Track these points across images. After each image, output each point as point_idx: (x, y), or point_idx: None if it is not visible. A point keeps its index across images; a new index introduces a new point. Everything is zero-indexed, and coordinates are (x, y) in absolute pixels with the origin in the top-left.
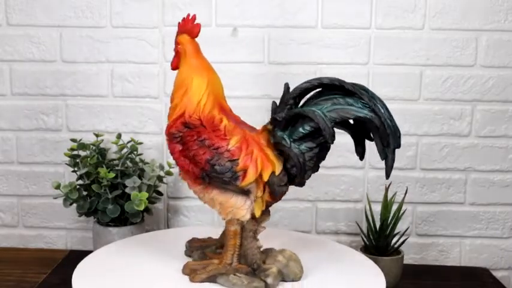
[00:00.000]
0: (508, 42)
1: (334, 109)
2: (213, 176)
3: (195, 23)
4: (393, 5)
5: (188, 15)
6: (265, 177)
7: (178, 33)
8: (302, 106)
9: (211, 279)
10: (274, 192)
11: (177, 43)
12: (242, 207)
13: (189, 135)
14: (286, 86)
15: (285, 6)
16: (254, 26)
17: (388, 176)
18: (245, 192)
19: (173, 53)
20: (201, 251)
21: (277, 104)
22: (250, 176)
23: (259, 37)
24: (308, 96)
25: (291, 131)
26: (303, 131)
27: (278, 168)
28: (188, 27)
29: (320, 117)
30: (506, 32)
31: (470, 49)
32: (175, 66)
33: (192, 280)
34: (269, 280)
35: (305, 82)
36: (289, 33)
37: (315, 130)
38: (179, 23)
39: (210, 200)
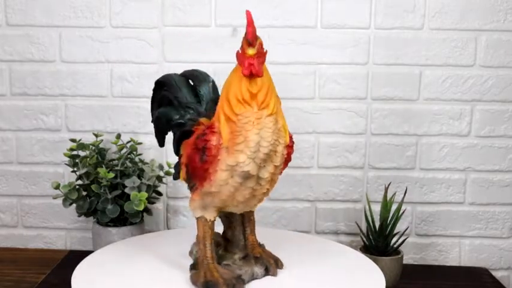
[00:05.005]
0: (507, 42)
1: None
2: None
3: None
4: (392, 5)
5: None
6: None
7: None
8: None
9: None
10: None
11: (262, 45)
12: None
13: None
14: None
15: (285, 6)
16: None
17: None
18: None
19: (243, 57)
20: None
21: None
22: None
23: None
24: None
25: None
26: None
27: None
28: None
29: None
30: (506, 32)
31: (470, 49)
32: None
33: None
34: None
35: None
36: (289, 33)
37: None
38: (254, 24)
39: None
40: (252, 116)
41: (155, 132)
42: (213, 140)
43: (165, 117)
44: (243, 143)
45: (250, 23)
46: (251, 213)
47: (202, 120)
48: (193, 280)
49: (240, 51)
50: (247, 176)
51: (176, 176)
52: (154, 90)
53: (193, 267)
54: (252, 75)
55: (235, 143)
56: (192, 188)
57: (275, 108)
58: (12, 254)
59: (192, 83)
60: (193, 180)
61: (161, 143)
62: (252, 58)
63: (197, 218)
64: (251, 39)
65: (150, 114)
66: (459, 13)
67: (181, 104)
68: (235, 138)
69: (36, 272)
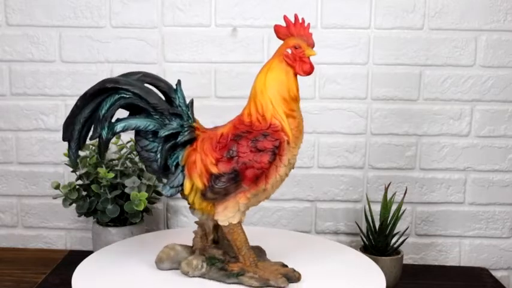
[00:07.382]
0: (507, 42)
1: None
2: None
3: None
4: (392, 5)
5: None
6: None
7: None
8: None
9: None
10: None
11: None
12: None
13: None
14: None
15: (285, 6)
16: (253, 26)
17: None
18: None
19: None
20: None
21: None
22: None
23: (259, 37)
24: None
25: None
26: None
27: None
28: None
29: None
30: (506, 32)
31: (470, 49)
32: None
33: None
34: None
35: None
36: None
37: None
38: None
39: None
40: (299, 111)
41: (77, 147)
42: (284, 138)
43: (142, 128)
44: (299, 137)
45: (305, 25)
46: None
47: (196, 125)
48: (264, 280)
49: (294, 52)
50: (292, 168)
51: (175, 191)
52: (93, 97)
53: (236, 275)
54: (310, 74)
55: (297, 138)
56: (233, 192)
57: None
58: (12, 254)
59: (156, 88)
60: (244, 183)
61: (75, 164)
62: (309, 58)
63: (233, 225)
64: (313, 41)
65: (79, 129)
66: (459, 13)
67: (161, 111)
68: (296, 133)
69: (36, 272)
